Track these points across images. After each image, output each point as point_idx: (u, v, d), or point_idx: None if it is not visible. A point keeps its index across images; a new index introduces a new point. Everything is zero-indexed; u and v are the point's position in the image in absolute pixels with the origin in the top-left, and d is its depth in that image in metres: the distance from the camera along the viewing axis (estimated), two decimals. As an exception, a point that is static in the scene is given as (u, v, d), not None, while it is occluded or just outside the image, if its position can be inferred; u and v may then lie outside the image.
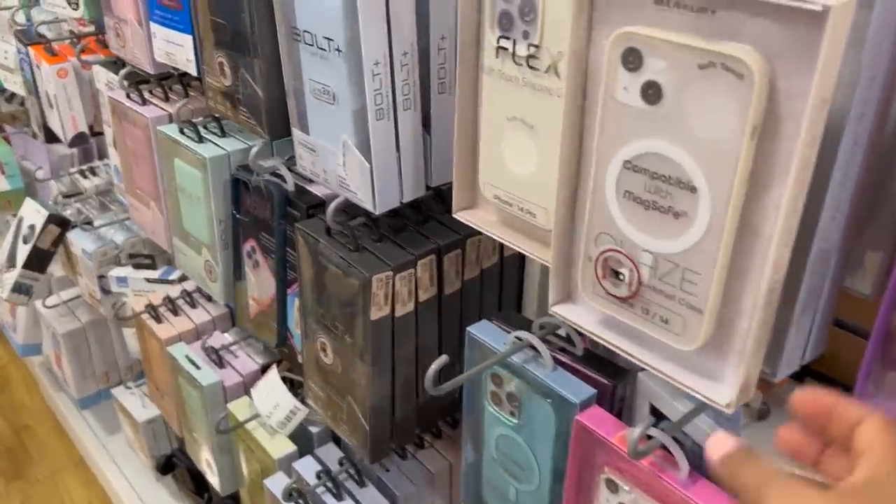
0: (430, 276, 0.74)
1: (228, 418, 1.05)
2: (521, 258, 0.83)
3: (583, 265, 0.47)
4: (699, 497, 0.52)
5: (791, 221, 0.37)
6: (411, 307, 0.73)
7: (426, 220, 0.76)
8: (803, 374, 0.64)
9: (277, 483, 0.94)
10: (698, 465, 0.59)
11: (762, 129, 0.36)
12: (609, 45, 0.39)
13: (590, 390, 0.62)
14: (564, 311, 0.50)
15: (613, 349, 0.47)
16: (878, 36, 0.35)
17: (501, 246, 0.81)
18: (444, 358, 0.59)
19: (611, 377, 0.64)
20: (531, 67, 0.50)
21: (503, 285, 0.83)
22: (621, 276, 0.44)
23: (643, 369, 0.62)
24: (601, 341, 0.48)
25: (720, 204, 0.38)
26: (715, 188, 0.38)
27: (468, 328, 0.70)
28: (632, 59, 0.39)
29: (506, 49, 0.51)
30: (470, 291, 0.79)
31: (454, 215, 0.61)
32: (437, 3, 0.62)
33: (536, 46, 0.49)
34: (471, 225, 0.60)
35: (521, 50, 0.50)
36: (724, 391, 0.42)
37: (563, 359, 0.66)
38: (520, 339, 0.66)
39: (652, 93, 0.39)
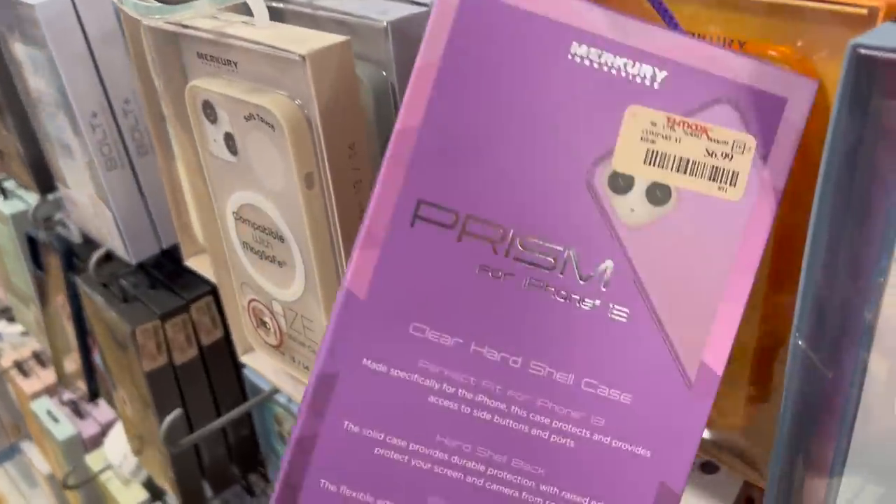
0: (212, 318, 0.73)
1: (83, 470, 1.03)
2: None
3: (242, 315, 0.45)
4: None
5: (359, 266, 0.36)
6: (194, 353, 0.72)
7: (208, 260, 0.75)
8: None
9: (123, 535, 0.93)
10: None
11: (321, 176, 0.35)
12: (187, 99, 0.38)
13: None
14: (251, 361, 0.49)
15: (291, 398, 0.46)
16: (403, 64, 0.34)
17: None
18: (178, 412, 0.58)
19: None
20: (190, 115, 0.48)
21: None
22: (267, 325, 0.43)
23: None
24: (282, 389, 0.47)
25: (306, 252, 0.37)
26: (297, 237, 0.37)
27: (245, 368, 0.69)
28: (209, 112, 0.38)
29: (169, 98, 0.50)
30: (269, 326, 0.78)
31: (185, 263, 0.60)
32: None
33: (189, 94, 0.48)
34: (199, 271, 0.59)
35: (180, 98, 0.49)
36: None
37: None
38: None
39: (232, 144, 0.38)
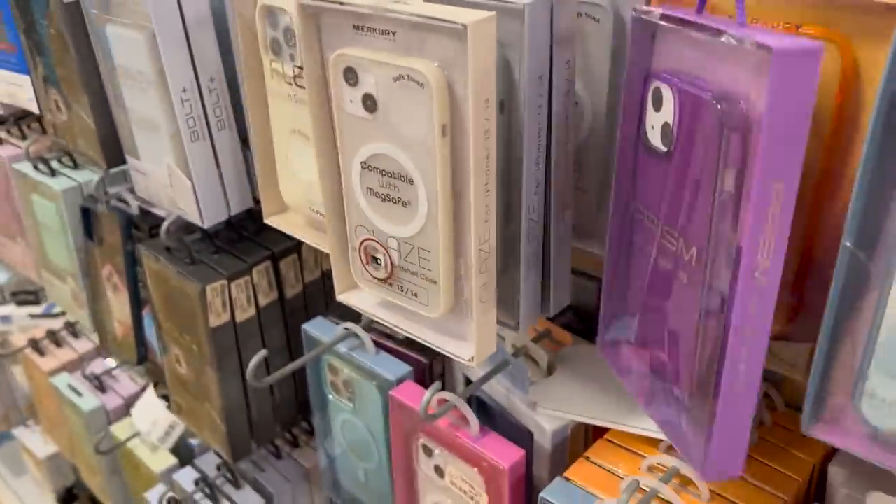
0: (269, 282, 0.80)
1: (110, 439, 1.09)
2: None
3: (351, 255, 0.53)
4: (488, 448, 0.59)
5: (482, 200, 0.44)
6: (252, 312, 0.79)
7: (263, 229, 0.82)
8: (593, 334, 0.73)
9: (157, 495, 0.98)
10: (501, 421, 0.66)
11: (454, 127, 0.43)
12: (331, 65, 0.46)
13: (405, 368, 0.69)
14: (350, 298, 0.57)
15: (388, 325, 0.54)
16: (533, 40, 0.43)
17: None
18: (263, 352, 0.65)
19: (426, 355, 0.72)
20: (299, 86, 0.56)
21: (347, 285, 0.89)
22: (379, 261, 0.51)
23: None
24: (379, 320, 0.55)
25: (432, 192, 0.45)
26: (426, 179, 0.45)
27: (303, 325, 0.76)
28: (350, 76, 0.46)
29: (278, 71, 0.58)
30: (313, 292, 0.85)
31: (265, 221, 0.67)
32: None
33: (300, 67, 0.56)
34: (278, 228, 0.66)
35: (289, 71, 0.57)
36: (467, 349, 0.49)
37: (387, 343, 0.73)
38: (347, 329, 0.72)
39: (370, 103, 0.46)
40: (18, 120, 1.08)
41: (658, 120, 0.40)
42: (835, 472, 0.56)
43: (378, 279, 0.52)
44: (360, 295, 0.56)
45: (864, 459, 0.39)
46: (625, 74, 0.45)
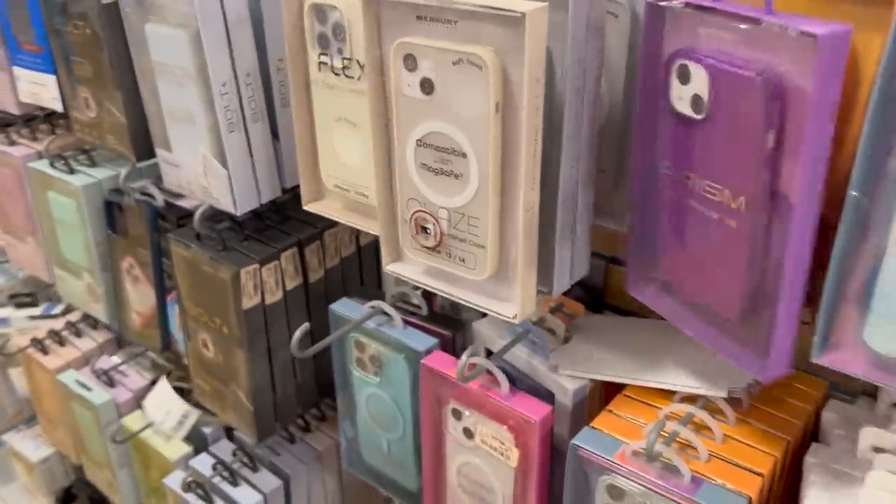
0: (295, 267, 0.85)
1: (123, 430, 1.12)
2: (377, 245, 0.95)
3: (401, 227, 0.59)
4: (518, 405, 0.65)
5: (531, 170, 0.50)
6: (280, 295, 0.84)
7: (286, 219, 0.87)
8: (601, 308, 0.79)
9: (176, 480, 1.02)
10: (522, 385, 0.72)
11: (504, 105, 0.49)
12: (392, 53, 0.52)
13: (432, 340, 0.74)
14: (396, 268, 0.62)
15: (434, 291, 0.60)
16: (575, 29, 0.49)
17: (357, 236, 0.93)
18: (306, 325, 0.70)
19: (450, 329, 0.77)
20: (347, 76, 0.62)
21: (363, 270, 0.94)
22: (428, 231, 0.57)
23: (478, 318, 0.75)
24: (424, 286, 0.60)
25: (484, 164, 0.51)
26: (479, 153, 0.51)
27: (331, 305, 0.81)
28: (409, 62, 0.52)
29: (325, 63, 0.63)
30: (333, 278, 0.91)
31: (304, 207, 0.73)
32: (272, 32, 0.73)
33: (348, 59, 0.61)
34: (318, 213, 0.71)
35: (337, 63, 0.62)
36: (510, 308, 0.55)
37: (412, 320, 0.79)
38: (374, 307, 0.78)
39: (427, 86, 0.52)
40: (28, 122, 1.11)
41: (686, 92, 0.46)
42: (828, 418, 0.63)
43: (427, 248, 0.58)
44: (405, 265, 0.62)
45: (868, 381, 0.46)
46: (641, 54, 0.51)
